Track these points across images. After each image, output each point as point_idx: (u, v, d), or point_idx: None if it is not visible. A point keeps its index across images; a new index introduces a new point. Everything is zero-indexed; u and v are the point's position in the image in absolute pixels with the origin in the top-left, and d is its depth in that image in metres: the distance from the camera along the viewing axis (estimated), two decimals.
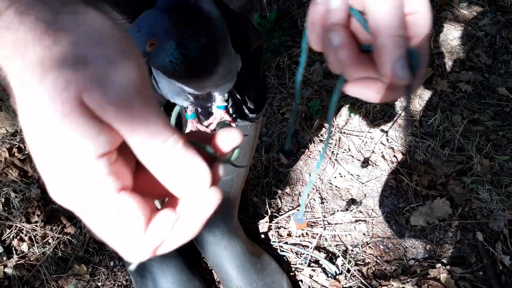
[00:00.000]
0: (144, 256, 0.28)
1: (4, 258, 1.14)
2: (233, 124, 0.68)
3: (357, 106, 1.50)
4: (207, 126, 0.67)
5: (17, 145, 1.34)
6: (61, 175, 0.26)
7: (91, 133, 0.25)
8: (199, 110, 0.65)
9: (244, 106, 0.72)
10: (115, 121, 0.25)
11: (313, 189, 1.30)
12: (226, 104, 0.63)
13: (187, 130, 0.71)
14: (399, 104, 1.52)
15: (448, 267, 1.14)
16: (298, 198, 1.29)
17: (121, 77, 0.25)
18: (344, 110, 1.48)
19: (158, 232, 0.28)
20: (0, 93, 1.50)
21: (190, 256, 1.14)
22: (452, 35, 1.77)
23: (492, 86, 1.59)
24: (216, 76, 0.48)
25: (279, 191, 1.30)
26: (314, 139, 1.41)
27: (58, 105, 0.25)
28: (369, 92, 0.35)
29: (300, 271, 1.14)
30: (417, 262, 1.17)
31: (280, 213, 1.25)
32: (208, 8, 0.46)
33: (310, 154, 1.38)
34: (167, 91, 0.55)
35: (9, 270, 1.12)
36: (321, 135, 1.42)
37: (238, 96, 0.69)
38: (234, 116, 0.67)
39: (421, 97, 1.54)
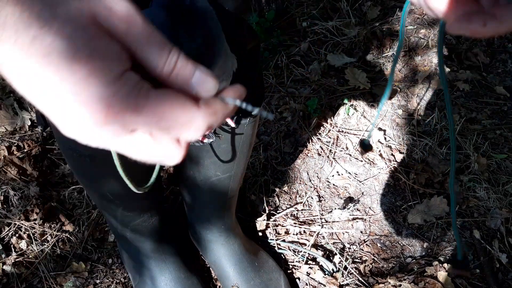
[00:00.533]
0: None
1: (3, 256, 1.14)
2: (233, 124, 0.68)
3: (355, 105, 1.50)
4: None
5: (16, 144, 1.34)
6: (95, 99, 0.27)
7: (115, 51, 0.27)
8: None
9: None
10: (128, 36, 0.28)
11: (311, 187, 1.31)
12: None
13: None
14: (397, 103, 1.53)
15: (445, 265, 1.14)
16: (296, 196, 1.29)
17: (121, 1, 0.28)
18: (342, 109, 1.49)
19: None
20: (0, 92, 1.50)
21: (188, 254, 1.14)
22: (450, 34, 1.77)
23: (489, 85, 1.59)
24: None
25: (277, 190, 1.30)
26: (312, 138, 1.41)
27: (80, 32, 0.26)
28: (474, 25, 0.34)
29: (297, 269, 1.14)
30: (414, 260, 1.17)
31: (278, 211, 1.26)
32: (203, 6, 0.46)
33: (308, 153, 1.39)
34: None
35: (7, 268, 1.12)
36: (319, 133, 1.43)
37: None
38: (233, 116, 0.68)
39: (419, 96, 1.55)
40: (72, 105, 0.27)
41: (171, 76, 0.30)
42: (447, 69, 1.64)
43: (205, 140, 0.70)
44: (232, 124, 0.67)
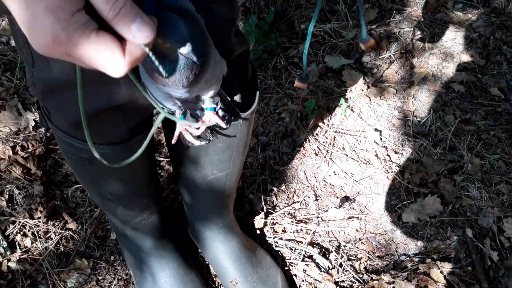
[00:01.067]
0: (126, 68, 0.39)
1: (8, 253, 1.18)
2: (223, 125, 0.70)
3: (352, 106, 1.53)
4: (197, 128, 0.71)
5: (20, 144, 1.37)
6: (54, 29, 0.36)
7: None
8: (188, 112, 0.69)
9: (233, 105, 0.75)
10: None
11: (308, 186, 1.34)
12: (215, 106, 0.66)
13: (176, 132, 0.74)
14: (394, 104, 1.56)
15: (438, 262, 1.17)
16: (293, 196, 1.33)
17: None
18: (339, 110, 1.52)
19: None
20: (3, 93, 1.54)
21: (187, 252, 1.17)
22: (446, 36, 1.80)
23: (484, 86, 1.62)
24: (201, 82, 0.51)
25: (275, 189, 1.33)
26: (310, 138, 1.44)
27: None
28: None
29: (294, 266, 1.18)
30: (408, 258, 1.21)
31: (275, 210, 1.29)
32: (192, 14, 0.49)
33: (305, 153, 1.42)
34: (156, 96, 0.59)
35: (12, 264, 1.16)
36: (316, 134, 1.46)
37: (228, 97, 0.72)
38: (225, 116, 0.70)
39: (415, 97, 1.58)
40: (32, 30, 0.36)
41: (114, 19, 0.36)
42: (443, 71, 1.67)
43: (199, 142, 0.73)
44: (223, 125, 0.70)
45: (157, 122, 0.61)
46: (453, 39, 1.79)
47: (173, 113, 0.67)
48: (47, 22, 0.36)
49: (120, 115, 0.73)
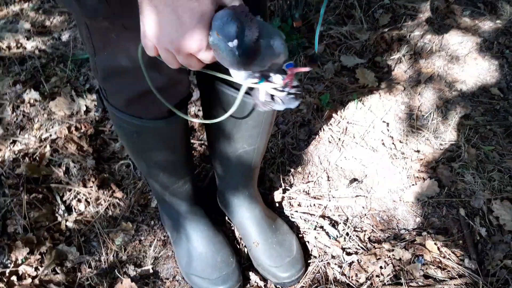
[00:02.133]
0: None
1: (66, 215, 1.40)
2: (309, 68, 0.75)
3: (363, 100, 1.72)
4: (283, 87, 0.75)
5: (74, 125, 1.59)
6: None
7: None
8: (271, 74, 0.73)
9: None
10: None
11: (321, 169, 1.53)
12: (292, 62, 0.72)
13: (261, 96, 0.76)
14: (401, 100, 1.73)
15: (433, 235, 1.35)
16: (308, 176, 1.52)
17: None
18: (352, 104, 1.71)
19: None
20: (58, 81, 1.77)
21: (215, 218, 1.38)
22: (453, 40, 1.97)
23: (485, 86, 1.79)
24: (256, 64, 0.63)
25: (292, 170, 1.53)
26: (324, 128, 1.63)
27: None
28: None
29: (307, 234, 1.37)
30: (407, 231, 1.39)
31: (292, 187, 1.48)
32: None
33: (320, 140, 1.61)
34: (237, 73, 0.71)
35: (70, 224, 1.38)
36: (330, 124, 1.65)
37: None
38: (305, 65, 0.82)
39: (421, 94, 1.75)
40: (177, 34, 0.58)
41: None
42: (448, 71, 1.84)
43: (276, 106, 0.78)
44: (308, 69, 0.76)
45: (241, 91, 0.74)
46: (459, 42, 1.96)
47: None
48: (197, 33, 0.57)
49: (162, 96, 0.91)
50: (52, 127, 1.59)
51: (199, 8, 0.56)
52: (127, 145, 1.14)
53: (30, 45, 1.92)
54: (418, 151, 1.56)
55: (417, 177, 1.50)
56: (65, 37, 1.99)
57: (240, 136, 1.07)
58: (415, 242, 1.34)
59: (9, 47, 1.91)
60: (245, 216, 1.28)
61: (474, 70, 1.85)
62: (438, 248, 1.33)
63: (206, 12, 0.57)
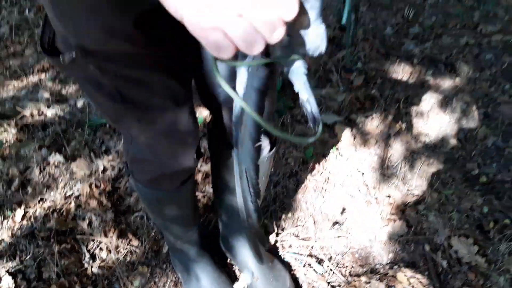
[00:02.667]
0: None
1: (91, 262, 1.63)
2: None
3: (341, 153, 2.00)
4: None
5: (94, 183, 1.85)
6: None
7: None
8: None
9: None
10: None
11: (308, 214, 1.79)
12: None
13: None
14: (374, 151, 2.02)
15: (403, 268, 1.60)
16: (297, 221, 1.78)
17: None
18: (332, 156, 1.99)
19: None
20: (77, 144, 2.03)
21: (218, 260, 1.62)
22: (418, 97, 2.29)
23: (446, 137, 2.09)
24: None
25: (283, 216, 1.78)
26: (309, 177, 1.91)
27: None
28: None
29: (298, 271, 1.61)
30: (381, 266, 1.64)
31: (283, 231, 1.74)
32: None
33: (306, 189, 1.88)
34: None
35: (95, 270, 1.61)
36: (314, 174, 1.93)
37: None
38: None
39: (391, 146, 2.05)
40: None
41: None
42: (414, 125, 2.14)
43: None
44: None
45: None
46: (423, 100, 2.28)
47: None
48: None
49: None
50: (75, 186, 1.85)
51: None
52: (147, 207, 1.39)
53: (50, 112, 2.20)
54: (389, 196, 1.84)
55: (389, 219, 1.77)
56: (80, 104, 2.27)
57: None
58: (388, 275, 1.59)
59: (32, 115, 2.18)
60: (247, 256, 1.53)
61: (436, 123, 2.16)
62: (408, 279, 1.58)
63: None
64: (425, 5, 2.93)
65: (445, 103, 2.25)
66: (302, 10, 0.50)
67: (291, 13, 0.45)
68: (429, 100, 2.27)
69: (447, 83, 2.36)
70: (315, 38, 0.59)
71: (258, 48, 0.47)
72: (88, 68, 0.76)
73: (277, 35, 0.47)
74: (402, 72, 2.43)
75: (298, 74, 0.66)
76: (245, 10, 0.45)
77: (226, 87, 0.56)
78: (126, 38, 0.72)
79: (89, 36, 0.71)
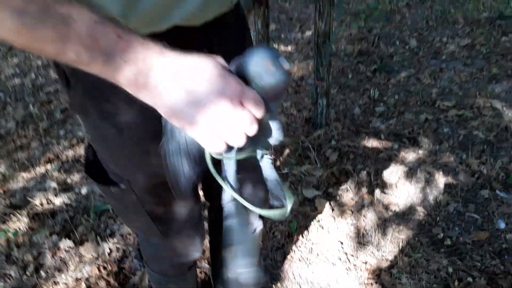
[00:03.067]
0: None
1: None
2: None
3: (322, 224, 2.25)
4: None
5: (101, 265, 2.05)
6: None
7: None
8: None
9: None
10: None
11: (295, 283, 2.01)
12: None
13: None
14: (351, 222, 2.28)
15: None
16: None
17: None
18: (314, 227, 2.23)
19: None
20: (84, 230, 2.25)
21: None
22: (386, 170, 2.58)
23: (413, 205, 2.36)
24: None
25: (273, 286, 2.00)
26: (294, 249, 2.14)
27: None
28: None
29: None
30: None
31: None
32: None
33: (292, 260, 2.10)
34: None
35: None
36: (299, 246, 2.16)
37: None
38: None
39: (365, 216, 2.30)
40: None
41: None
42: (385, 196, 2.41)
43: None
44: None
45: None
46: (391, 172, 2.57)
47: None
48: (235, 79, 0.61)
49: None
50: (84, 268, 2.05)
51: (211, 65, 0.61)
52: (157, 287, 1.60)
53: (58, 201, 2.43)
54: (366, 262, 2.07)
55: (367, 283, 1.99)
56: (84, 191, 2.51)
57: None
58: None
59: (41, 204, 2.41)
60: None
61: (404, 193, 2.44)
62: None
63: (220, 63, 0.63)
64: (388, 85, 3.32)
65: (411, 174, 2.55)
66: (266, 113, 0.68)
67: (260, 114, 0.64)
68: (396, 172, 2.56)
69: (411, 155, 2.68)
70: (275, 132, 0.75)
71: (242, 142, 0.64)
72: (131, 197, 1.01)
73: (254, 128, 0.63)
74: (371, 147, 2.74)
75: (266, 161, 0.83)
76: (231, 117, 0.62)
77: (217, 177, 0.76)
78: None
79: (135, 178, 0.97)
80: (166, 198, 1.06)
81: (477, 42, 3.79)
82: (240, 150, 0.75)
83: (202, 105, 0.61)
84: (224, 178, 0.80)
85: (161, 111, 0.63)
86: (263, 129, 0.72)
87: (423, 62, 3.57)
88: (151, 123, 0.82)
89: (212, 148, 0.65)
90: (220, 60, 0.65)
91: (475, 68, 3.48)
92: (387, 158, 2.67)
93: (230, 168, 0.82)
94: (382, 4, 4.45)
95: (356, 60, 3.59)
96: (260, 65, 0.66)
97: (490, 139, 2.76)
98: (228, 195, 0.84)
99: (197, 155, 0.74)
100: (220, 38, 0.90)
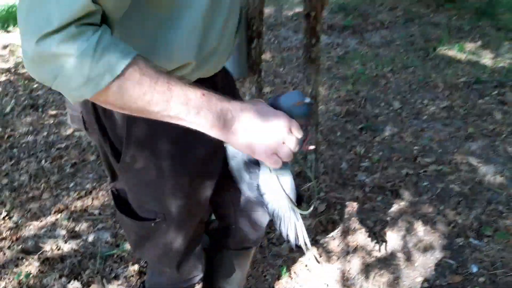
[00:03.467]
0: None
1: None
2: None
3: (309, 268, 2.45)
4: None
5: None
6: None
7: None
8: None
9: None
10: None
11: None
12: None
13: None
14: (336, 266, 2.47)
15: None
16: None
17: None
18: (302, 271, 2.43)
19: None
20: (91, 273, 2.44)
21: None
22: (370, 219, 2.81)
23: (394, 252, 2.56)
24: None
25: None
26: None
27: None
28: None
29: None
30: None
31: None
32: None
33: None
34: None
35: None
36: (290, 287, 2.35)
37: None
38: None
39: (350, 261, 2.50)
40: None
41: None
42: (368, 244, 2.62)
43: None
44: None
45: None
46: (374, 221, 2.79)
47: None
48: (282, 115, 0.90)
49: None
50: None
51: (262, 105, 0.91)
52: None
53: (67, 247, 2.63)
54: None
55: None
56: (91, 238, 2.72)
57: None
58: None
59: (51, 249, 2.61)
60: None
61: (386, 240, 2.65)
62: None
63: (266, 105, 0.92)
64: (373, 142, 3.61)
65: (392, 223, 2.77)
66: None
67: (301, 135, 0.92)
68: (379, 222, 2.78)
69: (393, 206, 2.91)
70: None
71: (291, 158, 0.92)
72: (163, 228, 1.23)
73: (298, 148, 0.91)
74: (357, 199, 2.98)
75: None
76: (285, 139, 0.90)
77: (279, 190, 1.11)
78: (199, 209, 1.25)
79: (171, 211, 1.19)
80: (191, 226, 1.28)
81: (455, 104, 4.12)
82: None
83: (268, 138, 0.87)
84: (281, 189, 1.11)
85: (235, 145, 0.89)
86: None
87: (406, 122, 3.88)
88: (190, 162, 1.09)
89: (274, 164, 0.91)
90: (264, 102, 0.95)
91: (453, 127, 3.78)
92: (371, 209, 2.90)
93: (286, 179, 1.11)
94: (368, 70, 4.83)
95: (344, 120, 3.90)
96: (293, 101, 0.97)
97: (465, 192, 3.00)
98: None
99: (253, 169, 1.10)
100: (222, 84, 1.20)
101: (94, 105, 1.05)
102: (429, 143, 3.58)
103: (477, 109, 4.03)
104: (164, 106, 0.79)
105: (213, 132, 0.86)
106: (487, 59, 5.02)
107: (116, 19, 0.78)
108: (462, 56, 5.10)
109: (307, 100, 1.00)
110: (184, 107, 0.80)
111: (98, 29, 0.72)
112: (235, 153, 1.16)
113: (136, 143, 1.06)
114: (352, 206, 2.92)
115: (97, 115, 1.07)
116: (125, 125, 1.03)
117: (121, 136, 1.06)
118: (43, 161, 3.53)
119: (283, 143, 0.90)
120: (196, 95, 0.82)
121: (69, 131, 3.90)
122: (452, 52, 5.21)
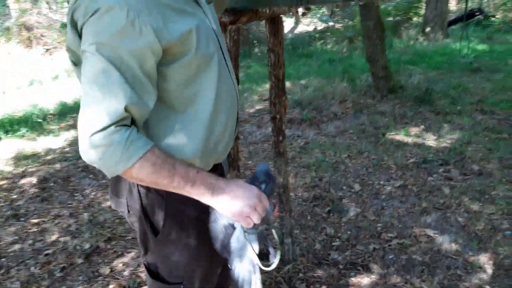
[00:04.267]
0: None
1: None
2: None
3: None
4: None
5: None
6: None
7: None
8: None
9: None
10: None
11: None
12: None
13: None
14: None
15: None
16: None
17: None
18: None
19: None
20: None
21: None
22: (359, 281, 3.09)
23: None
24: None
25: None
26: None
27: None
28: None
29: None
30: None
31: None
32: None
33: None
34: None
35: None
36: None
37: None
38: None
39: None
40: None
41: None
42: None
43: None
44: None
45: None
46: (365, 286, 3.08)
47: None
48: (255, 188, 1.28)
49: None
50: None
51: (241, 182, 1.27)
52: None
53: None
54: None
55: None
56: None
57: None
58: None
59: None
60: None
61: None
62: None
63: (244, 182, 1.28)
64: (341, 223, 3.98)
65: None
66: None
67: (267, 204, 1.29)
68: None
69: (365, 280, 3.22)
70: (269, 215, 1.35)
71: (259, 220, 1.25)
72: None
73: (264, 213, 1.25)
74: (332, 276, 3.28)
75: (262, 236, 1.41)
76: (256, 206, 1.24)
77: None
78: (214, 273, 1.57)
79: (195, 274, 1.49)
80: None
81: (408, 183, 4.62)
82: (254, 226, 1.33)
83: (244, 204, 1.23)
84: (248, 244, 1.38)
85: (220, 209, 1.25)
86: (267, 214, 1.33)
87: (367, 202, 4.31)
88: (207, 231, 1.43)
89: (247, 224, 1.27)
90: (242, 180, 1.33)
91: (409, 204, 4.23)
92: (346, 284, 3.19)
93: (254, 238, 1.42)
94: (328, 157, 5.34)
95: (312, 204, 4.30)
96: (262, 179, 1.33)
97: (426, 261, 3.37)
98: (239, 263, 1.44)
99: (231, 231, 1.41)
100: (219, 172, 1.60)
101: (139, 194, 1.39)
102: (390, 219, 4.00)
103: (427, 185, 4.53)
104: (170, 180, 1.18)
105: (204, 199, 1.24)
106: (431, 140, 5.68)
107: (140, 123, 1.21)
108: (408, 139, 5.74)
109: (272, 174, 1.37)
110: (183, 180, 1.19)
111: (129, 128, 1.13)
112: (218, 217, 1.40)
113: (171, 217, 1.41)
114: (329, 284, 3.21)
115: (141, 201, 1.40)
116: (163, 206, 1.38)
117: (158, 218, 1.41)
118: (32, 268, 3.67)
119: (255, 209, 1.24)
120: (193, 172, 1.21)
121: (53, 237, 4.08)
122: (400, 136, 5.85)
